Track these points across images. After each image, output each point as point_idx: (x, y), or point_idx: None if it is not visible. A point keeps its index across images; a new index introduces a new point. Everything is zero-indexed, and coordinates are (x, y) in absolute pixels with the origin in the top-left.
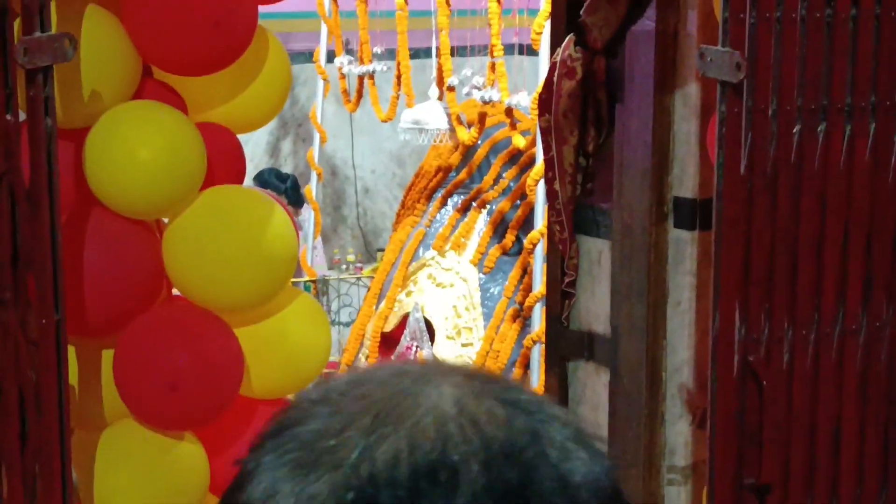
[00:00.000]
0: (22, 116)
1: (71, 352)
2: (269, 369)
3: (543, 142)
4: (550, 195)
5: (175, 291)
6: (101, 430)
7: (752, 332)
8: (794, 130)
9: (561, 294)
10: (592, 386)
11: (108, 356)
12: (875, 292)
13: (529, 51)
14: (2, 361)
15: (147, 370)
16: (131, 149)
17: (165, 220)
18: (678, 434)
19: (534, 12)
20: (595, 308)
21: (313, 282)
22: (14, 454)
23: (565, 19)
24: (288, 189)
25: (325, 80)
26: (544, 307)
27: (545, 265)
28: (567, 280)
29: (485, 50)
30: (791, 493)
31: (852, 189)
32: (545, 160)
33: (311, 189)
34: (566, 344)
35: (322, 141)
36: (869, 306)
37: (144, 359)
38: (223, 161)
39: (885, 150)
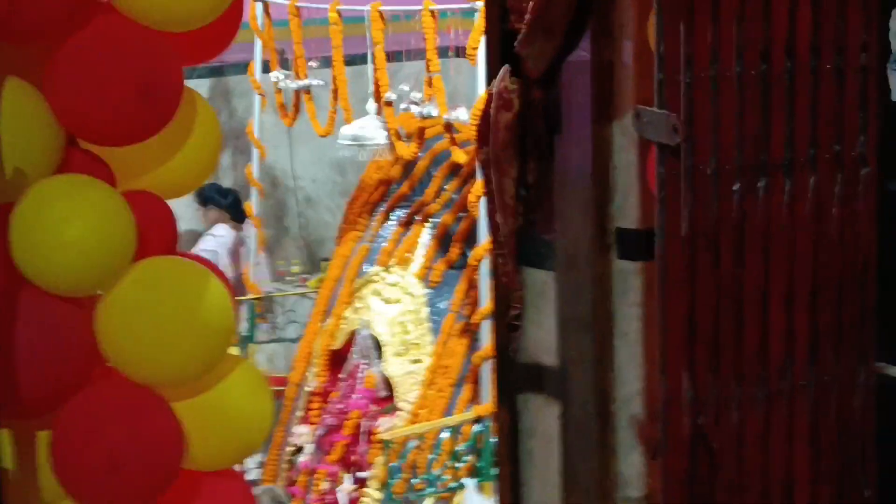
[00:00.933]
0: None
1: (5, 434)
2: (211, 441)
3: (483, 175)
4: (493, 228)
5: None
6: None
7: (700, 394)
8: (735, 188)
9: (508, 327)
10: (544, 418)
11: (43, 436)
12: (822, 346)
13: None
14: None
15: (84, 452)
16: (57, 227)
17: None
18: (631, 465)
19: (469, 14)
20: (543, 340)
21: (258, 299)
22: None
23: (499, 40)
24: (230, 205)
25: (260, 94)
26: (492, 323)
27: (491, 280)
28: (513, 313)
29: (422, 54)
30: None
31: (795, 243)
32: (485, 193)
33: (252, 205)
34: (516, 377)
35: (261, 156)
36: (817, 361)
37: (81, 440)
38: (154, 229)
39: (826, 203)
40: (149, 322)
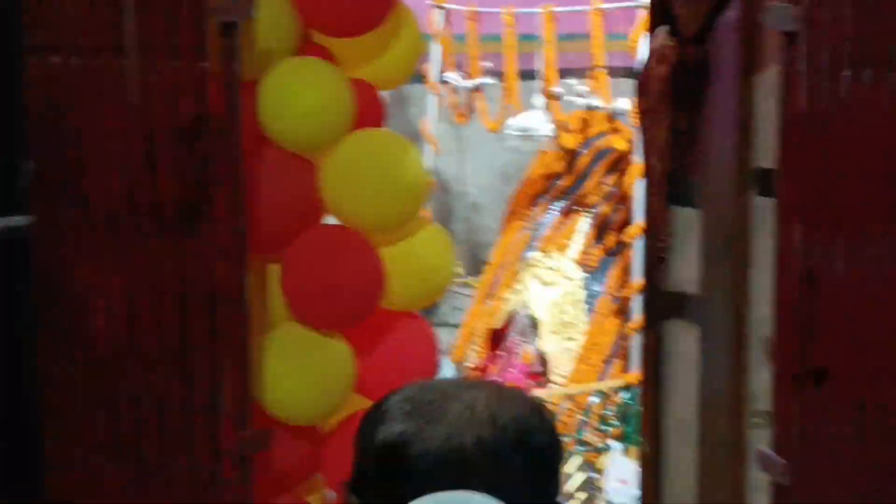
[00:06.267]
0: None
1: None
2: (403, 285)
3: (641, 122)
4: (648, 170)
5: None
6: (265, 333)
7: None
8: (844, 72)
9: (656, 259)
10: (685, 342)
11: (274, 269)
12: None
13: (629, 73)
14: (194, 270)
15: (308, 281)
16: (298, 96)
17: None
18: (761, 382)
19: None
20: (686, 272)
21: None
22: (203, 345)
23: (661, 14)
24: None
25: (436, 93)
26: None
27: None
28: (660, 246)
29: (586, 73)
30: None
31: None
32: (644, 140)
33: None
34: (661, 305)
35: (434, 150)
36: None
37: (307, 270)
38: (367, 110)
39: None
40: (362, 178)
